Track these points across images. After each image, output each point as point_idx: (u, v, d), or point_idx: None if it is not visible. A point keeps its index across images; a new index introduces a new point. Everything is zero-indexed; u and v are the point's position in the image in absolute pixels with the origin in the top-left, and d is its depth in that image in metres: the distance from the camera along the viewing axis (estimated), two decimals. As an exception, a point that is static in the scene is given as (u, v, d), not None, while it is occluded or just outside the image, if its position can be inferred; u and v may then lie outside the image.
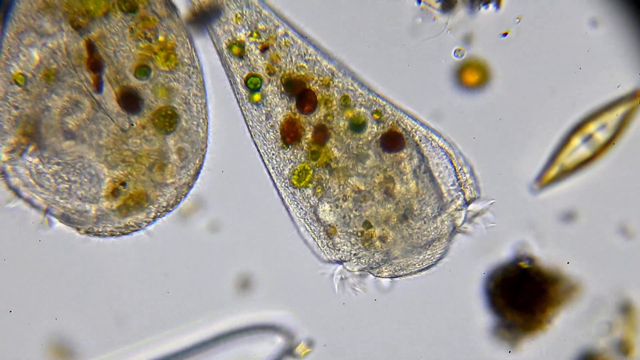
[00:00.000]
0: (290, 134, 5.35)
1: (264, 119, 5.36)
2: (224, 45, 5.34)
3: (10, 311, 5.44)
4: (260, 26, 5.33)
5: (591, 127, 5.44)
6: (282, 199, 5.43)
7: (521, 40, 5.42)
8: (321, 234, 5.42)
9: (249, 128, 5.39)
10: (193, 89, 5.30)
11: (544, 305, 5.48)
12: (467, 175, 5.41)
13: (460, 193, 5.40)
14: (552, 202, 5.50)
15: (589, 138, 5.45)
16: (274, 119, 5.35)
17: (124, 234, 5.38)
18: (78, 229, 5.35)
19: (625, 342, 5.54)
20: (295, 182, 5.38)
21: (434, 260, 5.44)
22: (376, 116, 5.37)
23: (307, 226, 5.43)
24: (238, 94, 5.37)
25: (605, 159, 5.47)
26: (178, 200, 5.38)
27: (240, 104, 5.38)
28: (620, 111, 5.44)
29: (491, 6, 5.38)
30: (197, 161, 5.35)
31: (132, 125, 5.24)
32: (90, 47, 5.19)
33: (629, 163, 5.48)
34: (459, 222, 5.41)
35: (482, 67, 5.42)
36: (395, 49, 5.43)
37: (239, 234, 5.49)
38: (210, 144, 5.37)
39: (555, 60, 5.44)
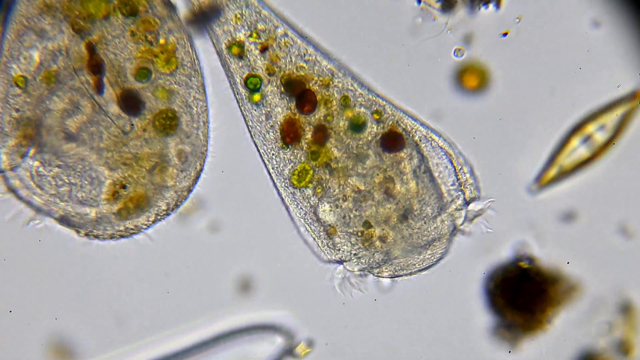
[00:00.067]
0: (290, 134, 5.35)
1: (263, 119, 5.36)
2: (223, 46, 5.34)
3: (10, 311, 5.45)
4: (260, 26, 5.33)
5: (590, 128, 5.44)
6: (282, 199, 5.43)
7: (521, 40, 5.42)
8: (321, 234, 5.42)
9: (248, 128, 5.39)
10: (193, 91, 5.30)
11: (544, 305, 5.48)
12: (467, 175, 5.41)
13: (460, 193, 5.40)
14: (552, 202, 5.50)
15: (588, 139, 5.45)
16: (273, 119, 5.35)
17: (123, 236, 5.38)
18: (78, 232, 5.35)
19: (625, 342, 5.54)
20: (295, 182, 5.38)
21: (434, 260, 5.44)
22: (376, 116, 5.37)
23: (307, 226, 5.43)
24: (238, 94, 5.37)
25: (605, 159, 5.47)
26: (178, 203, 5.38)
27: (240, 104, 5.38)
28: (619, 112, 5.44)
29: (491, 6, 5.38)
30: (198, 165, 5.35)
31: (133, 126, 5.24)
32: (91, 49, 5.19)
33: (628, 163, 5.48)
34: (459, 222, 5.41)
35: (482, 72, 5.42)
36: (395, 49, 5.43)
37: (239, 234, 5.49)
38: (210, 145, 5.37)
39: (555, 61, 5.44)
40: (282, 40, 5.33)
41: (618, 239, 5.49)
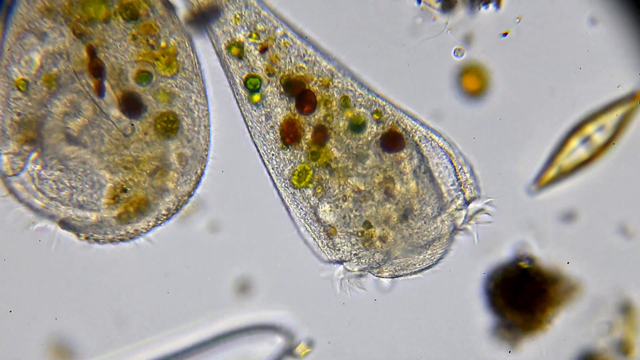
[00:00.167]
0: (289, 135, 5.35)
1: (263, 119, 5.36)
2: (223, 46, 5.34)
3: (10, 311, 5.45)
4: (259, 27, 5.33)
5: (589, 129, 5.44)
6: (282, 200, 5.43)
7: (521, 40, 5.42)
8: (321, 234, 5.42)
9: (248, 129, 5.39)
10: (194, 95, 5.30)
11: (544, 305, 5.48)
12: (467, 175, 5.41)
13: (460, 193, 5.40)
14: (552, 202, 5.50)
15: (587, 140, 5.45)
16: (273, 119, 5.36)
17: (123, 240, 5.38)
18: (78, 235, 5.36)
19: (625, 342, 5.54)
20: (295, 183, 5.38)
21: (434, 260, 5.44)
22: (376, 116, 5.37)
23: (307, 226, 5.43)
24: (237, 94, 5.37)
25: (605, 159, 5.47)
26: (178, 208, 5.38)
27: (240, 104, 5.38)
28: (619, 112, 5.44)
29: (491, 6, 5.37)
30: (199, 169, 5.36)
31: (134, 128, 5.24)
32: (92, 52, 5.19)
33: (628, 163, 5.47)
34: (459, 221, 5.41)
35: (483, 76, 5.42)
36: (395, 49, 5.43)
37: (239, 235, 5.49)
38: (211, 146, 5.37)
39: (555, 60, 5.44)
40: (282, 40, 5.33)
41: (618, 239, 5.49)
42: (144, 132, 5.26)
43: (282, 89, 5.34)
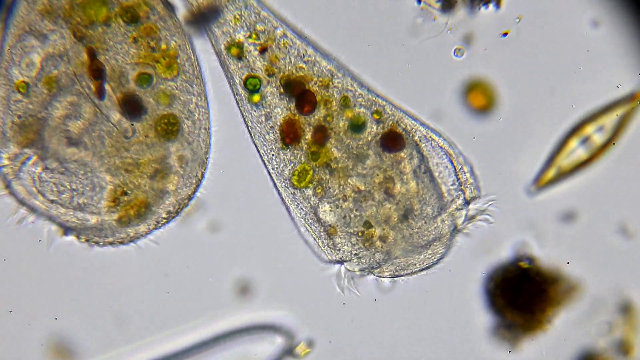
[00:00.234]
0: (289, 135, 5.35)
1: (263, 119, 5.36)
2: (222, 47, 5.34)
3: (10, 311, 5.46)
4: (259, 27, 5.33)
5: (589, 129, 5.44)
6: (283, 200, 5.43)
7: (521, 40, 5.42)
8: (322, 234, 5.42)
9: (248, 129, 5.39)
10: (195, 97, 5.30)
11: (544, 305, 5.48)
12: (467, 175, 5.41)
13: (460, 192, 5.40)
14: (551, 202, 5.49)
15: (586, 140, 5.45)
16: (273, 119, 5.36)
17: (123, 243, 5.38)
18: (78, 237, 5.36)
19: (625, 342, 5.53)
20: (295, 183, 5.38)
21: (435, 260, 5.44)
22: (376, 116, 5.37)
23: (307, 226, 5.44)
24: (237, 95, 5.37)
25: (605, 159, 5.46)
26: (178, 211, 5.39)
27: (240, 105, 5.38)
28: (618, 113, 5.43)
29: (491, 6, 5.37)
30: (199, 173, 5.36)
31: (134, 129, 5.24)
32: (92, 54, 5.19)
33: (628, 163, 5.47)
34: (459, 221, 5.41)
35: (490, 93, 5.42)
36: (395, 49, 5.43)
37: (239, 235, 5.49)
38: (211, 146, 5.38)
39: (555, 60, 5.44)
40: (282, 41, 5.33)
41: (618, 239, 5.49)
42: (144, 135, 5.26)
43: (281, 90, 5.34)
